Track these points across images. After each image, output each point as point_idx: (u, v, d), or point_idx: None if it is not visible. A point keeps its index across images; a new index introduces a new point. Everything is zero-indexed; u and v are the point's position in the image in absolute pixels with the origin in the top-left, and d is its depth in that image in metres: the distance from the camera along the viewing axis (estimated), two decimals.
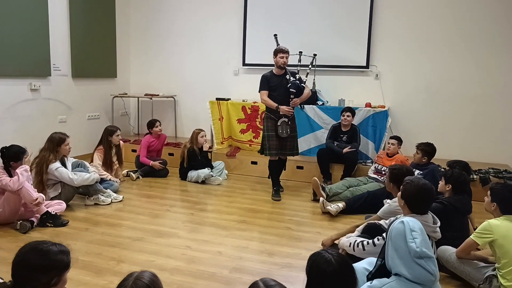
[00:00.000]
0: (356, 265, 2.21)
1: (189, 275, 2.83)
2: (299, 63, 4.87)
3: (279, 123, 4.62)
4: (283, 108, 4.55)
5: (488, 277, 2.66)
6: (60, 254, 1.68)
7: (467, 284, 2.78)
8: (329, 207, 4.18)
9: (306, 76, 4.89)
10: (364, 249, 2.62)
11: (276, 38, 4.84)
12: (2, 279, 2.11)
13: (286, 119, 4.62)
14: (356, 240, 2.73)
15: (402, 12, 5.85)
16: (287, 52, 4.58)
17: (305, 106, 5.23)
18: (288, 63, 4.62)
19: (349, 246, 2.71)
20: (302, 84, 4.65)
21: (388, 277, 1.95)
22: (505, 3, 5.42)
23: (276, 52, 4.60)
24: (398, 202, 2.64)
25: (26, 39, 5.29)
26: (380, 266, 2.02)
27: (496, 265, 2.66)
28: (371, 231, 2.80)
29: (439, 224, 2.52)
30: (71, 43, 6.04)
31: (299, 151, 5.00)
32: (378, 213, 3.21)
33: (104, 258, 3.07)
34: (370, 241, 2.60)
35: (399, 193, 2.61)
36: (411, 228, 1.90)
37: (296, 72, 4.74)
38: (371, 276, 2.01)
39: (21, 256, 1.64)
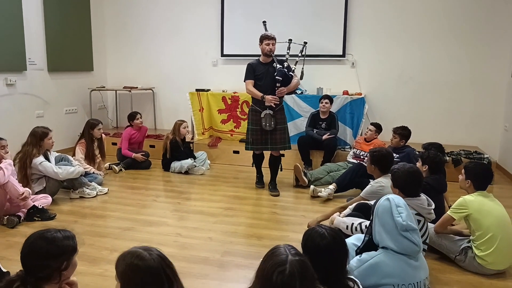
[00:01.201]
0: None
1: (183, 260, 2.92)
2: (288, 51, 4.49)
3: (262, 115, 4.34)
4: (268, 98, 4.25)
5: (464, 248, 2.86)
6: (66, 240, 1.74)
7: (444, 256, 2.97)
8: (320, 193, 4.32)
9: (295, 65, 4.52)
10: (362, 232, 2.74)
11: (264, 25, 4.60)
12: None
13: (270, 111, 4.32)
14: (353, 223, 2.83)
15: (377, 1, 6.02)
16: (273, 38, 4.30)
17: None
18: (276, 52, 4.37)
19: (346, 228, 2.81)
20: (290, 73, 4.34)
21: (375, 251, 2.09)
22: None
23: (261, 39, 4.33)
24: (392, 191, 2.75)
25: (0, 34, 5.18)
26: (367, 241, 2.16)
27: (471, 237, 2.86)
28: (362, 209, 2.95)
29: (433, 206, 2.67)
30: (46, 37, 5.94)
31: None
32: (361, 194, 3.37)
33: (97, 248, 3.12)
34: (367, 223, 2.72)
35: (391, 183, 2.73)
36: (396, 204, 2.05)
37: (285, 60, 4.41)
38: (359, 251, 2.15)
39: (29, 246, 1.69)
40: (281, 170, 4.66)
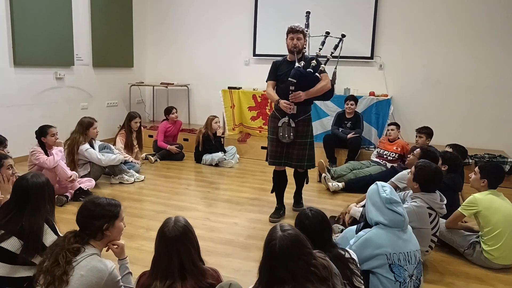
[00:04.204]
0: (352, 228, 2.65)
1: (209, 240, 3.23)
2: (320, 47, 3.80)
3: (280, 124, 3.60)
4: (282, 103, 3.52)
5: (472, 243, 3.04)
6: (108, 206, 2.08)
7: (454, 250, 3.16)
8: (329, 184, 4.65)
9: (325, 64, 3.68)
10: None
11: (307, 16, 3.96)
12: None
13: (287, 120, 3.56)
14: None
15: (406, 5, 6.16)
16: (298, 31, 3.53)
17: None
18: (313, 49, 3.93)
19: (361, 217, 3.06)
20: (316, 74, 3.56)
21: None
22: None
23: (287, 32, 3.60)
24: (409, 184, 2.96)
25: (52, 31, 5.68)
26: (364, 224, 2.48)
27: (480, 233, 3.03)
28: None
29: (445, 201, 2.87)
30: (92, 35, 6.43)
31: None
32: (392, 180, 3.53)
33: (134, 226, 3.49)
34: None
35: (411, 176, 2.91)
36: (382, 185, 2.41)
37: (314, 57, 3.65)
38: (357, 232, 2.46)
39: (81, 206, 2.09)
40: (306, 183, 4.11)
